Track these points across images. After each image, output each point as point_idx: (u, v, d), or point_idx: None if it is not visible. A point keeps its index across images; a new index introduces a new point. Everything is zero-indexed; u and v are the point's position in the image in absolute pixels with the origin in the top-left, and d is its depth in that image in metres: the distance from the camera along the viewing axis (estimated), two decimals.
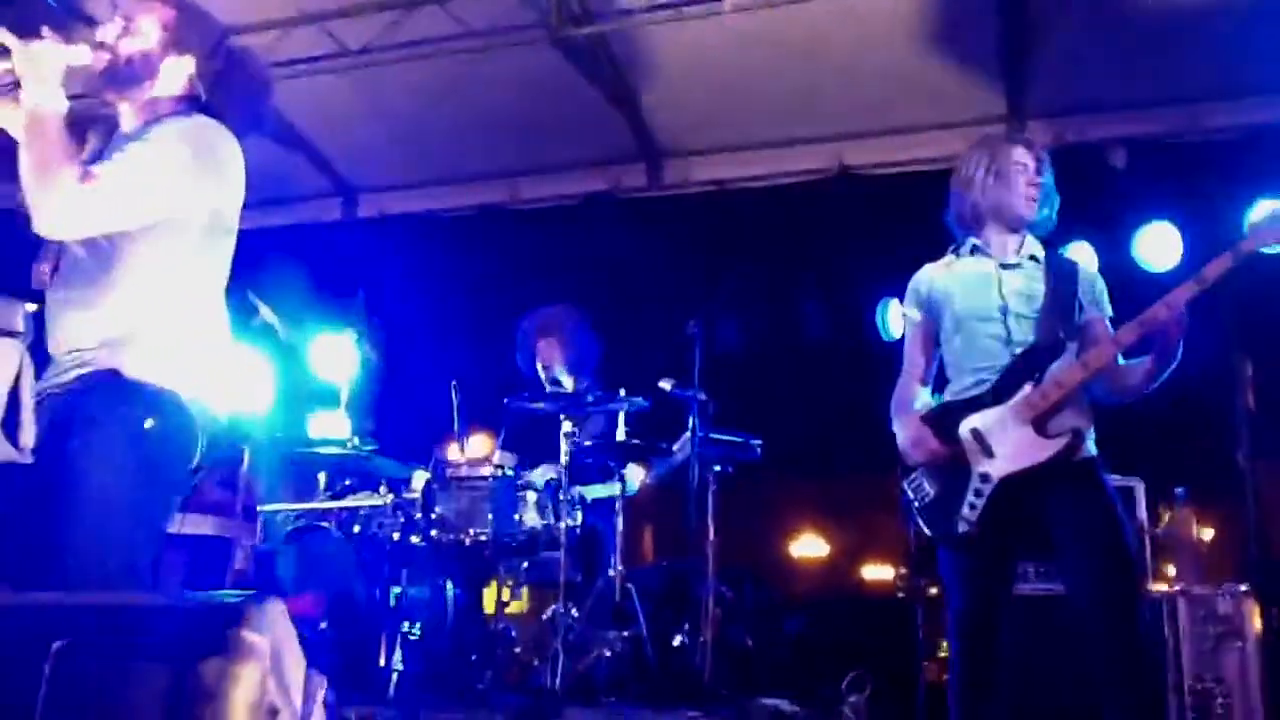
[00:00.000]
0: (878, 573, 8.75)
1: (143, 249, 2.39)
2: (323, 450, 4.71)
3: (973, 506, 3.07)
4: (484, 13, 5.57)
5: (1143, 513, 4.29)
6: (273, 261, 6.25)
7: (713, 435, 4.44)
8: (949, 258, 3.37)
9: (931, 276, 3.36)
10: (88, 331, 2.37)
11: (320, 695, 1.51)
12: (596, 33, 5.63)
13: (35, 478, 2.24)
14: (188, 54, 2.52)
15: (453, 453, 4.81)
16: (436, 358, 5.88)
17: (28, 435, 2.15)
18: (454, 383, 4.49)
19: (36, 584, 2.18)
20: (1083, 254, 5.15)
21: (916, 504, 3.18)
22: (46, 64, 2.31)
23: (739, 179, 6.44)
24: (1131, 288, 3.07)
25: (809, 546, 9.80)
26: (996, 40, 5.55)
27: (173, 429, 2.36)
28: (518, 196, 6.76)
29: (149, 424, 2.32)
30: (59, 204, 2.25)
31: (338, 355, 5.26)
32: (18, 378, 2.15)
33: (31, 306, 2.31)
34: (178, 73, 2.52)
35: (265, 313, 4.44)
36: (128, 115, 2.52)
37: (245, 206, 2.58)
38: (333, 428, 5.14)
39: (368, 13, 5.66)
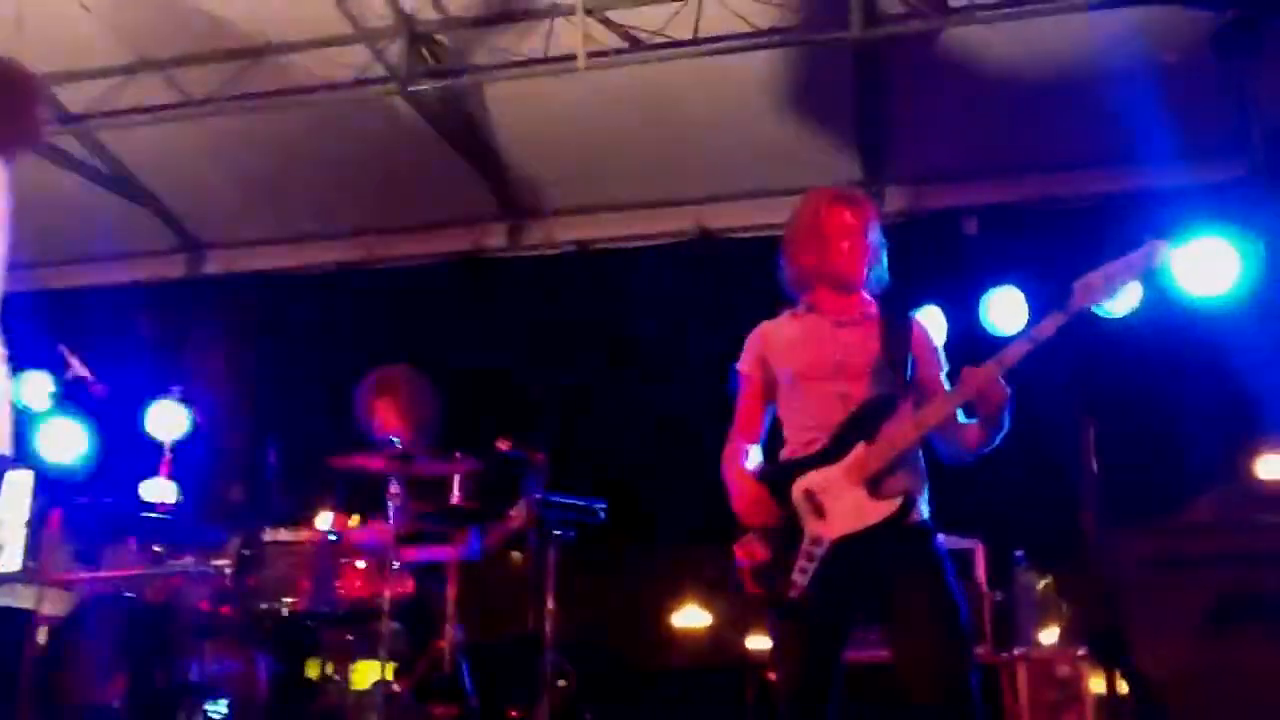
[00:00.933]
0: (766, 643, 8.56)
1: None
2: (140, 514, 4.43)
3: (804, 570, 2.97)
4: (333, 64, 5.42)
5: (981, 575, 4.25)
6: (109, 319, 5.97)
7: (551, 499, 4.27)
8: (786, 316, 3.32)
9: (767, 334, 3.31)
10: None
11: None
12: (449, 87, 5.52)
13: None
14: None
15: (328, 522, 4.54)
16: (279, 420, 5.61)
17: None
18: (271, 448, 4.26)
19: None
20: (932, 317, 5.17)
21: (748, 567, 3.06)
22: None
23: (600, 239, 6.36)
24: (980, 350, 3.05)
25: (691, 617, 9.61)
26: (853, 107, 5.60)
27: None
28: (373, 255, 6.56)
29: None
30: None
31: (166, 417, 5.01)
32: None
33: None
34: None
35: (76, 366, 4.18)
36: None
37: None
38: (158, 491, 4.89)
39: (211, 61, 5.47)
